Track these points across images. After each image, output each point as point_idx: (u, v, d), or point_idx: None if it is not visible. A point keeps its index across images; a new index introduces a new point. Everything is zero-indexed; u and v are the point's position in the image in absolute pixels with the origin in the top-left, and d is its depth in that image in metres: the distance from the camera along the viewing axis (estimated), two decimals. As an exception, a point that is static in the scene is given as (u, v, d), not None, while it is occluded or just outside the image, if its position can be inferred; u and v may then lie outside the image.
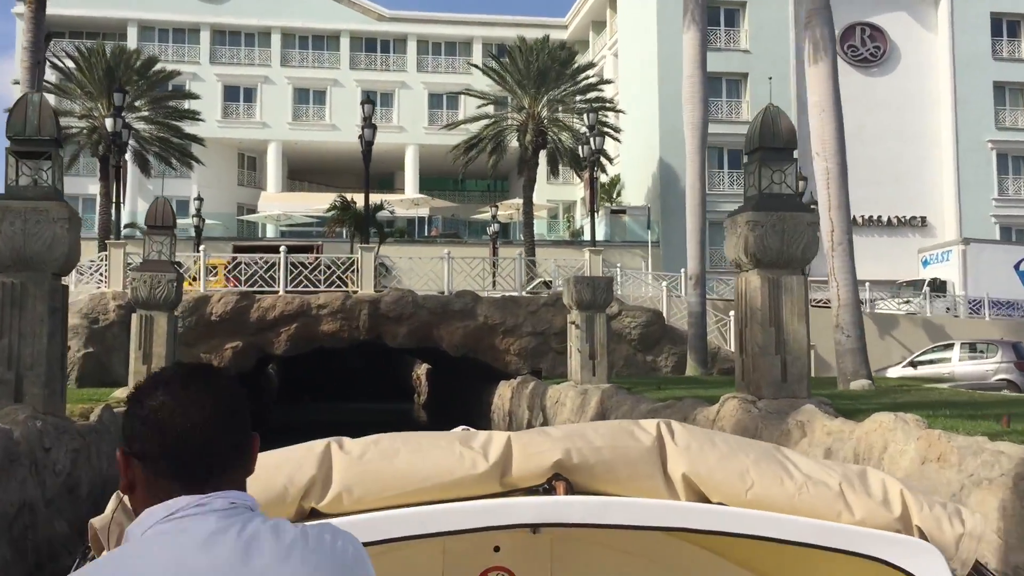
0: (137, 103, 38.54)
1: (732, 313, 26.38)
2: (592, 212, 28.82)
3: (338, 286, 24.28)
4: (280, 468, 2.48)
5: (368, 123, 24.99)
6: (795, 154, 10.45)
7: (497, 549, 3.16)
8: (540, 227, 48.27)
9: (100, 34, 49.28)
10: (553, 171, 41.83)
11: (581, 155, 29.52)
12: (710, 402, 11.35)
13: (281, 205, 48.78)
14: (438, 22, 57.20)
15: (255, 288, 23.77)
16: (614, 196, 47.56)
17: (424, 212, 50.83)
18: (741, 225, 10.12)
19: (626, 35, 49.17)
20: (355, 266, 24.32)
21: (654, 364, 24.16)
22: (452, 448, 2.72)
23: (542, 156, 38.52)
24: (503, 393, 22.30)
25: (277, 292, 23.54)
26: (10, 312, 8.70)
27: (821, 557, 2.59)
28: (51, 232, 8.88)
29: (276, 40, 54.40)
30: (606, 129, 35.16)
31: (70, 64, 38.43)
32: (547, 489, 2.72)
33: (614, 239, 44.01)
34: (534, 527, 2.88)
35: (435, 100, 55.81)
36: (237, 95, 53.75)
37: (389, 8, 56.36)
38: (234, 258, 25.54)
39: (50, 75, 38.60)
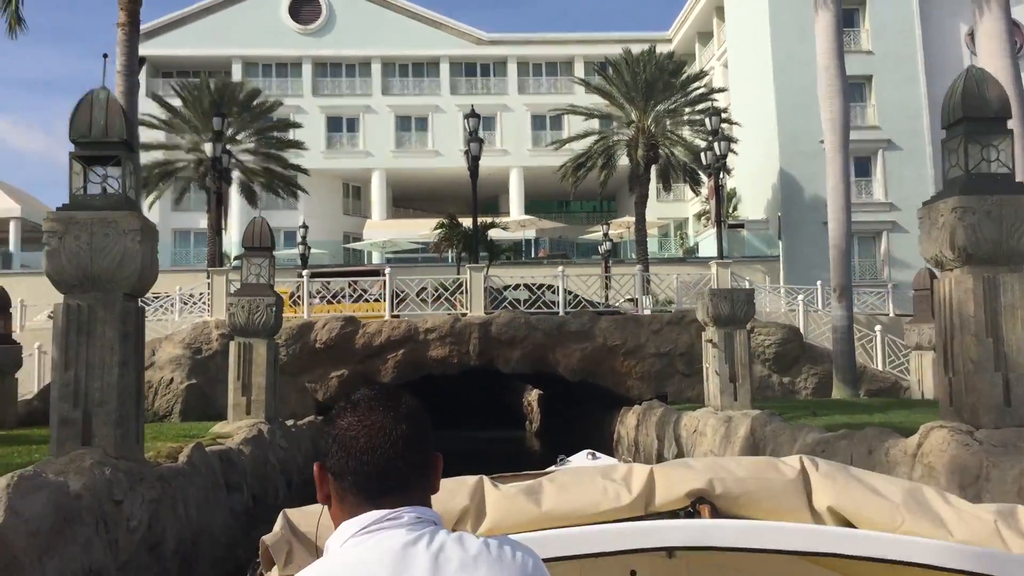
0: (240, 135, 38.53)
1: (878, 328, 24.16)
2: (719, 221, 26.77)
3: (447, 309, 22.99)
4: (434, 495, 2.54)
5: (474, 137, 23.69)
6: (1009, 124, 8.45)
7: (634, 573, 3.14)
8: (651, 246, 46.54)
9: (207, 72, 50.08)
10: (665, 186, 40.25)
11: (704, 161, 27.52)
12: (902, 432, 9.37)
13: (386, 233, 48.53)
14: (537, 43, 56.32)
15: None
16: (730, 210, 45.68)
17: (531, 234, 49.91)
18: (945, 214, 8.18)
19: (736, 44, 47.10)
20: (463, 287, 22.96)
21: (792, 386, 21.92)
22: (595, 483, 2.80)
23: (653, 171, 36.86)
24: (627, 420, 20.46)
25: (382, 316, 22.36)
26: (76, 340, 7.44)
27: None
28: (121, 246, 7.60)
29: (376, 69, 54.53)
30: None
31: (177, 103, 38.67)
32: (690, 512, 2.77)
33: (732, 254, 41.88)
34: (671, 551, 2.88)
35: (538, 121, 54.97)
36: (340, 126, 54.03)
37: (487, 31, 55.74)
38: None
39: (160, 112, 39.10)
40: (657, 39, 52.87)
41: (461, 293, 23.11)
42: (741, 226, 43.70)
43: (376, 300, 23.45)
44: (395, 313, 22.60)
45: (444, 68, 54.78)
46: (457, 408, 32.90)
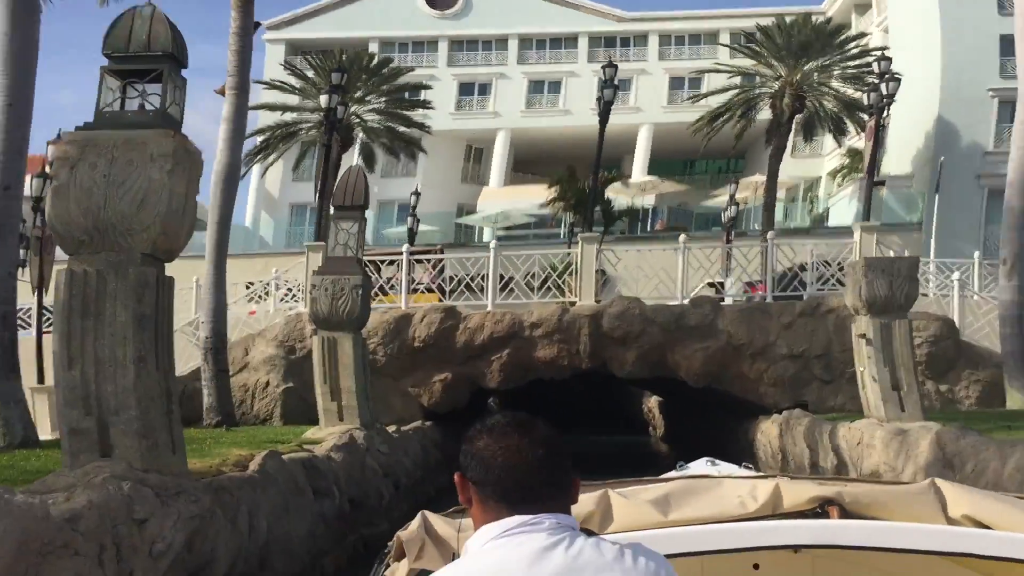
0: (368, 97, 37.95)
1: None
2: (871, 169, 23.18)
3: (553, 295, 20.71)
4: None
5: (608, 83, 21.83)
6: None
7: (756, 567, 3.10)
8: (776, 213, 43.86)
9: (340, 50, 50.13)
10: (806, 137, 37.97)
11: (868, 101, 24.84)
12: None
13: (501, 203, 47.07)
14: (680, 19, 53.85)
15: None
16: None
17: (649, 201, 47.65)
18: None
19: (899, 11, 43.40)
20: (573, 266, 20.65)
21: (951, 395, 18.21)
22: (721, 495, 2.82)
23: (795, 123, 34.87)
24: (766, 429, 17.83)
25: (485, 307, 19.99)
26: (81, 324, 5.74)
27: None
28: (144, 178, 5.71)
29: (513, 45, 53.18)
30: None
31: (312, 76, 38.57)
32: (818, 513, 2.77)
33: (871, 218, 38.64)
34: (796, 547, 2.89)
35: (676, 82, 52.17)
36: (472, 90, 53.09)
37: (628, 10, 53.82)
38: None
39: (295, 81, 38.71)
40: (809, 12, 49.43)
41: (570, 275, 20.94)
42: (882, 183, 39.90)
43: (429, 291, 21.35)
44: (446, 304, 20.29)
45: (582, 43, 52.85)
46: (575, 414, 30.47)
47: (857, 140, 38.18)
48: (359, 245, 13.43)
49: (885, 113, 24.15)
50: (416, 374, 19.40)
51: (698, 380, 19.23)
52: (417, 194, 38.61)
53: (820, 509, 2.73)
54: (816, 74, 34.97)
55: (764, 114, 35.67)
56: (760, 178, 38.13)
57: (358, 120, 37.16)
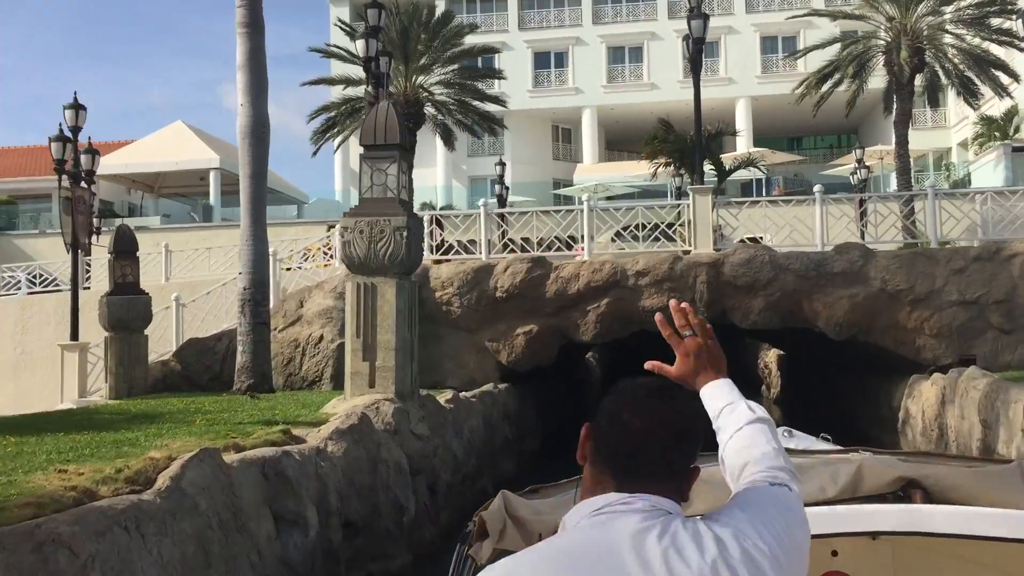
0: (434, 67, 34.50)
1: None
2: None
3: (662, 244, 18.00)
4: None
5: (697, 12, 18.34)
6: None
7: (835, 553, 3.03)
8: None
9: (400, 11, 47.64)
10: (931, 100, 33.36)
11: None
12: None
13: (597, 177, 44.34)
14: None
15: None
16: (1011, 132, 38.02)
17: (759, 172, 43.88)
18: None
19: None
20: (683, 217, 17.83)
21: None
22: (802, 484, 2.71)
23: (917, 83, 30.23)
24: (922, 393, 14.51)
25: (577, 257, 17.66)
26: None
27: None
28: None
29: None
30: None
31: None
32: (900, 497, 2.73)
33: (1017, 184, 34.35)
34: (876, 533, 2.89)
35: (768, 44, 49.24)
36: (548, 61, 50.81)
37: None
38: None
39: (353, 47, 35.78)
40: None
41: (681, 225, 18.10)
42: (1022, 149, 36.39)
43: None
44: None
45: (661, -10, 49.69)
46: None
47: (991, 106, 34.37)
48: (401, 186, 10.59)
49: (1008, 82, 20.28)
50: (496, 326, 17.32)
51: (840, 331, 16.55)
52: (502, 164, 36.59)
53: (902, 492, 2.68)
54: (929, 17, 30.19)
55: (875, 82, 31.45)
56: (884, 147, 34.79)
57: (426, 94, 33.93)
